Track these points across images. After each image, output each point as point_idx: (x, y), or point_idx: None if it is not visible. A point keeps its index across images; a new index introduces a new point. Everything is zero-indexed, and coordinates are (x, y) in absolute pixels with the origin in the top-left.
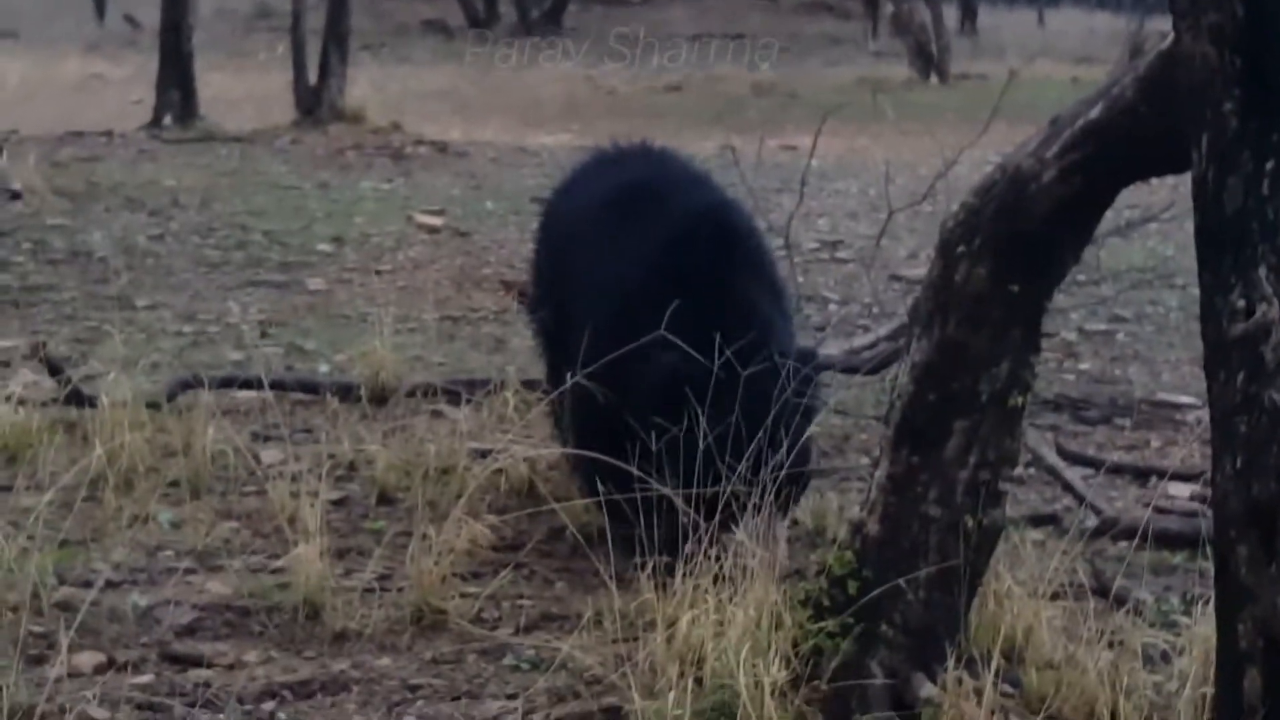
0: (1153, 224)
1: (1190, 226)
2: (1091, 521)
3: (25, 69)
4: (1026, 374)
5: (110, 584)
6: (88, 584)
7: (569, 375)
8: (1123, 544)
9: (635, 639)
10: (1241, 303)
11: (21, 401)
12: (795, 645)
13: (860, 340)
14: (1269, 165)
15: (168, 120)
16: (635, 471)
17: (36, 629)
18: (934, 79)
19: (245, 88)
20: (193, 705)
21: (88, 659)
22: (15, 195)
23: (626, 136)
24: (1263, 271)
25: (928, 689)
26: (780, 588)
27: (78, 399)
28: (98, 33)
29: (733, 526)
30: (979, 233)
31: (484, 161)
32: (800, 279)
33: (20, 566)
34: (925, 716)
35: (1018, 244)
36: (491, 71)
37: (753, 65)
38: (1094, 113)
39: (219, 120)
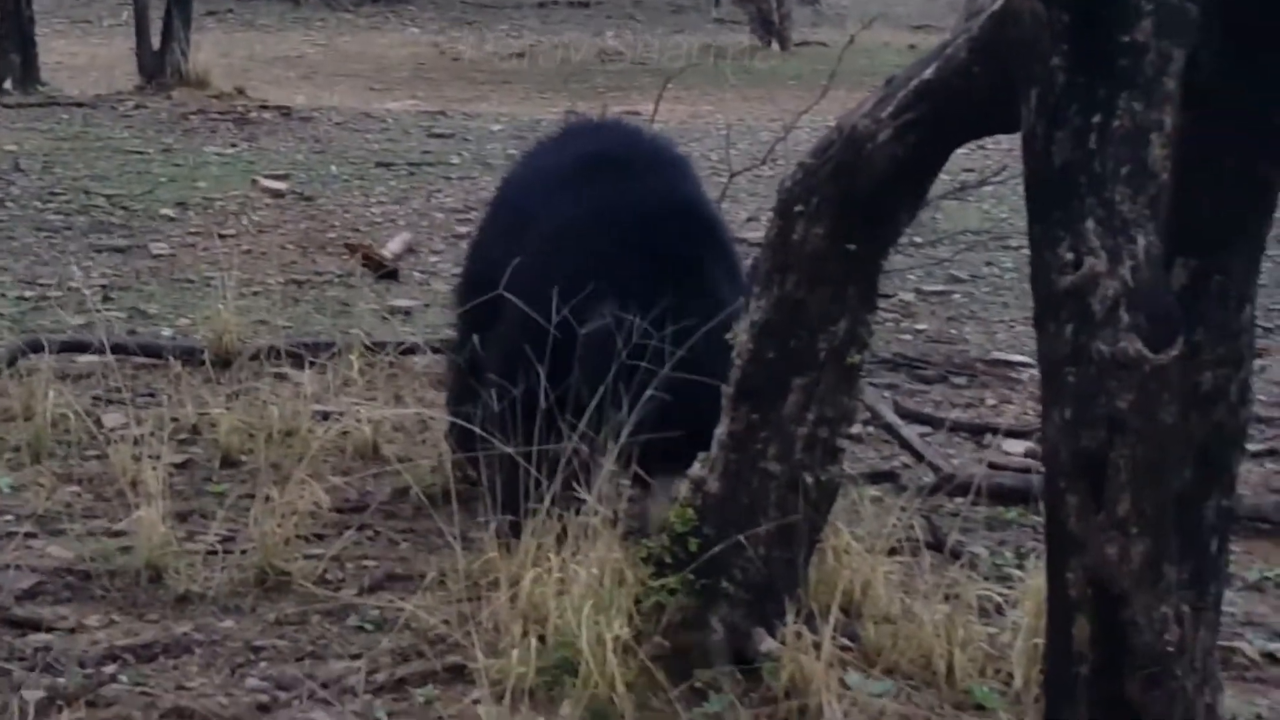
0: (987, 187)
1: (1023, 190)
2: (928, 478)
3: None
4: (864, 332)
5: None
6: None
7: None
8: (959, 500)
9: (479, 598)
10: (1070, 255)
11: None
12: (637, 602)
13: None
14: (1096, 119)
15: (8, 85)
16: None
17: None
18: (775, 46)
19: (89, 54)
20: (32, 669)
21: None
22: None
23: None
24: (1090, 224)
25: (768, 643)
26: (623, 546)
27: None
28: None
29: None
30: (816, 192)
31: (329, 127)
32: None
33: None
34: (765, 670)
35: (854, 203)
36: (338, 38)
37: (598, 33)
38: (928, 73)
39: (61, 86)
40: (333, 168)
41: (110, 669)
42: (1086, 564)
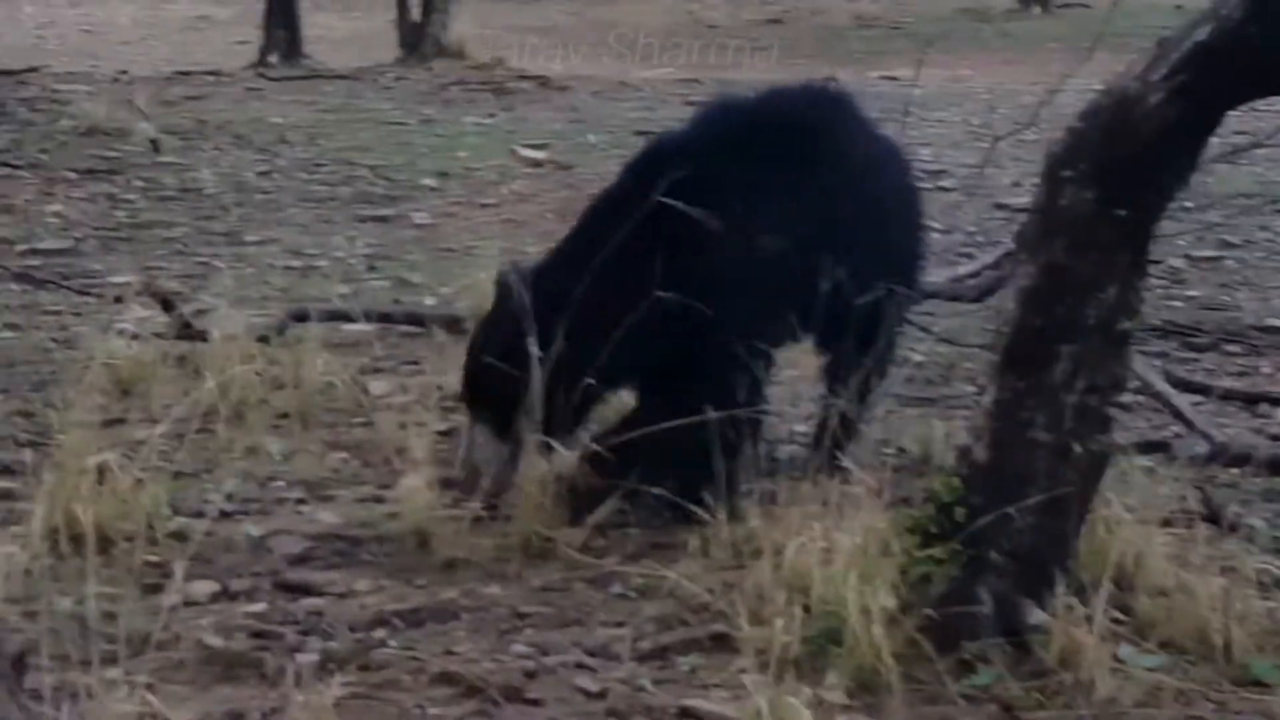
0: (1261, 149)
1: None
2: (1201, 448)
3: (135, 11)
4: (1133, 299)
5: (223, 514)
6: (201, 514)
7: None
8: (1233, 471)
9: (742, 567)
10: None
11: (135, 336)
12: (902, 572)
13: (964, 268)
14: None
15: (274, 59)
16: None
17: (152, 559)
18: (1036, 8)
19: (349, 27)
20: (305, 633)
21: (202, 588)
22: (154, 144)
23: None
24: None
25: (1037, 615)
26: (887, 514)
27: (189, 333)
28: None
29: None
30: (1085, 157)
31: (586, 96)
32: None
33: (135, 497)
34: (1035, 643)
35: (1124, 168)
36: (593, 7)
37: None
38: (1201, 34)
39: (324, 59)
40: (590, 137)
41: (380, 633)
42: None
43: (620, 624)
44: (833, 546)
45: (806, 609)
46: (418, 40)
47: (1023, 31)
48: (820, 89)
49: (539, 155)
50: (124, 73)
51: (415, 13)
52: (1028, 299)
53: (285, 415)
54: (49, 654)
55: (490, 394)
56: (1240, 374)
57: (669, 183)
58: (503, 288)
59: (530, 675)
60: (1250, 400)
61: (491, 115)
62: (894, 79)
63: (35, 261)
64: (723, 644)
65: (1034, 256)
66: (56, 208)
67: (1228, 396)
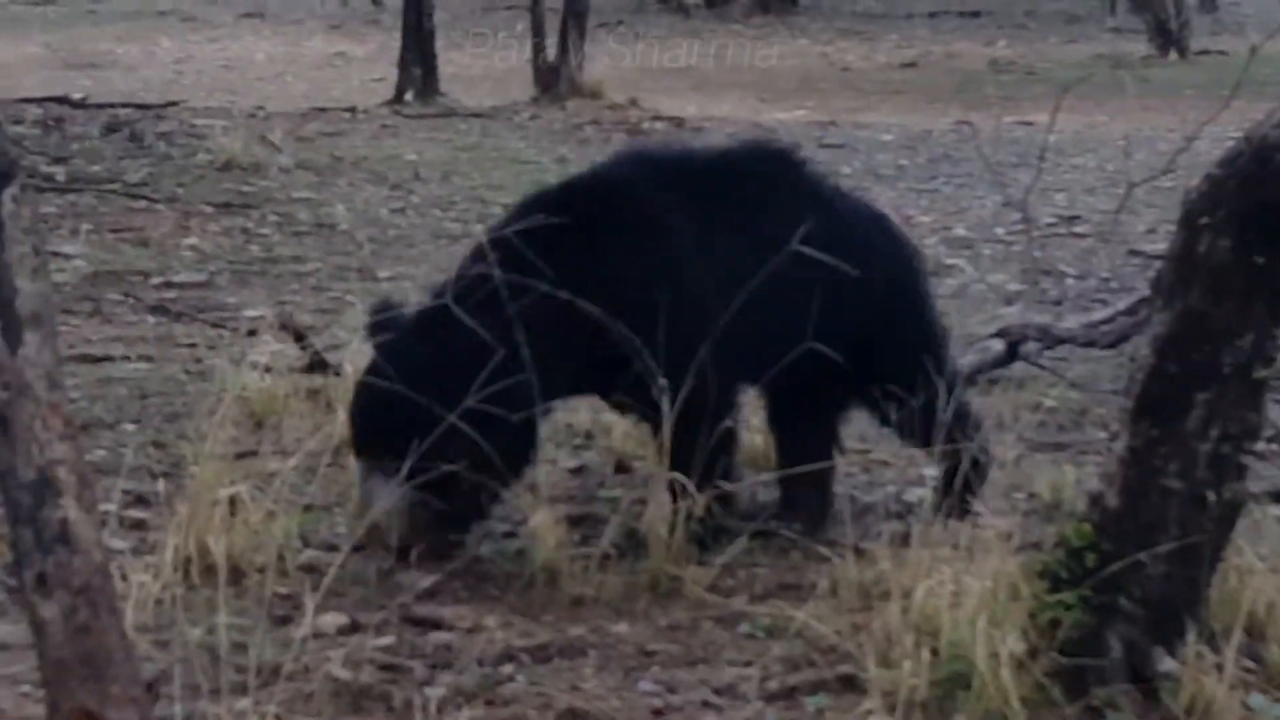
0: None
1: None
2: None
3: (271, 48)
4: (1270, 346)
5: (354, 548)
6: (332, 548)
7: None
8: None
9: (870, 609)
10: None
11: (268, 369)
12: (1032, 617)
13: (1098, 314)
14: None
15: (409, 96)
16: None
17: (282, 590)
18: (1173, 55)
19: (484, 65)
20: (433, 667)
21: (331, 620)
22: (283, 169)
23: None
24: None
25: (1167, 663)
26: (1017, 559)
27: (322, 367)
28: (341, 12)
29: None
30: (1223, 204)
31: (720, 137)
32: (1037, 253)
33: (266, 529)
34: (1165, 690)
35: (1262, 215)
36: (727, 49)
37: (990, 42)
38: None
39: (459, 97)
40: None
41: (508, 669)
42: None
43: (748, 663)
44: (962, 590)
45: (935, 652)
46: (553, 80)
47: (1160, 78)
48: (765, 145)
49: None
50: (260, 108)
51: (551, 52)
52: (1163, 345)
53: None
54: (180, 683)
55: (384, 439)
56: None
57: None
58: (371, 327)
59: (657, 713)
60: None
61: None
62: (1029, 124)
63: (170, 294)
64: (850, 686)
65: (1170, 303)
66: (192, 241)
67: None
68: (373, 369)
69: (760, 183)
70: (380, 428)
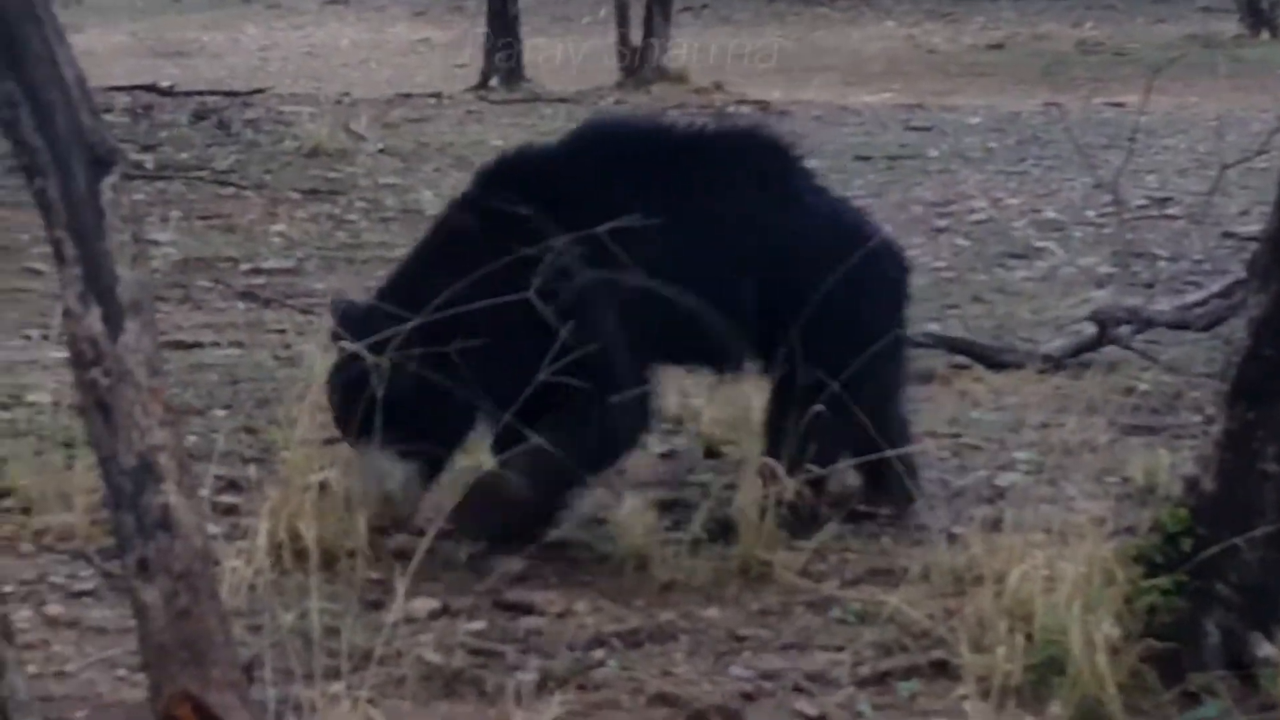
0: None
1: None
2: None
3: (356, 35)
4: None
5: (444, 533)
6: (421, 532)
7: None
8: None
9: (963, 594)
10: None
11: None
12: (1127, 602)
13: (1191, 297)
14: None
15: (494, 82)
16: None
17: (373, 575)
18: (1265, 34)
19: (568, 51)
20: (525, 651)
21: (422, 605)
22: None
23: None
24: None
25: (1265, 648)
26: (1111, 544)
27: None
28: None
29: None
30: None
31: (806, 120)
32: (1129, 235)
33: (357, 514)
34: (1262, 676)
35: None
36: (812, 32)
37: (1078, 23)
38: None
39: (543, 82)
40: (811, 161)
41: (599, 653)
42: None
43: (839, 649)
44: (1055, 575)
45: (1029, 637)
46: (638, 64)
47: (1252, 58)
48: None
49: None
50: (346, 94)
51: (635, 37)
52: (1259, 328)
53: None
54: (273, 667)
55: (365, 412)
56: None
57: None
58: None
59: (748, 697)
60: None
61: None
62: (1119, 105)
63: (259, 280)
64: (943, 671)
65: (1266, 285)
66: (280, 227)
67: None
68: (344, 358)
69: (729, 168)
70: (361, 408)
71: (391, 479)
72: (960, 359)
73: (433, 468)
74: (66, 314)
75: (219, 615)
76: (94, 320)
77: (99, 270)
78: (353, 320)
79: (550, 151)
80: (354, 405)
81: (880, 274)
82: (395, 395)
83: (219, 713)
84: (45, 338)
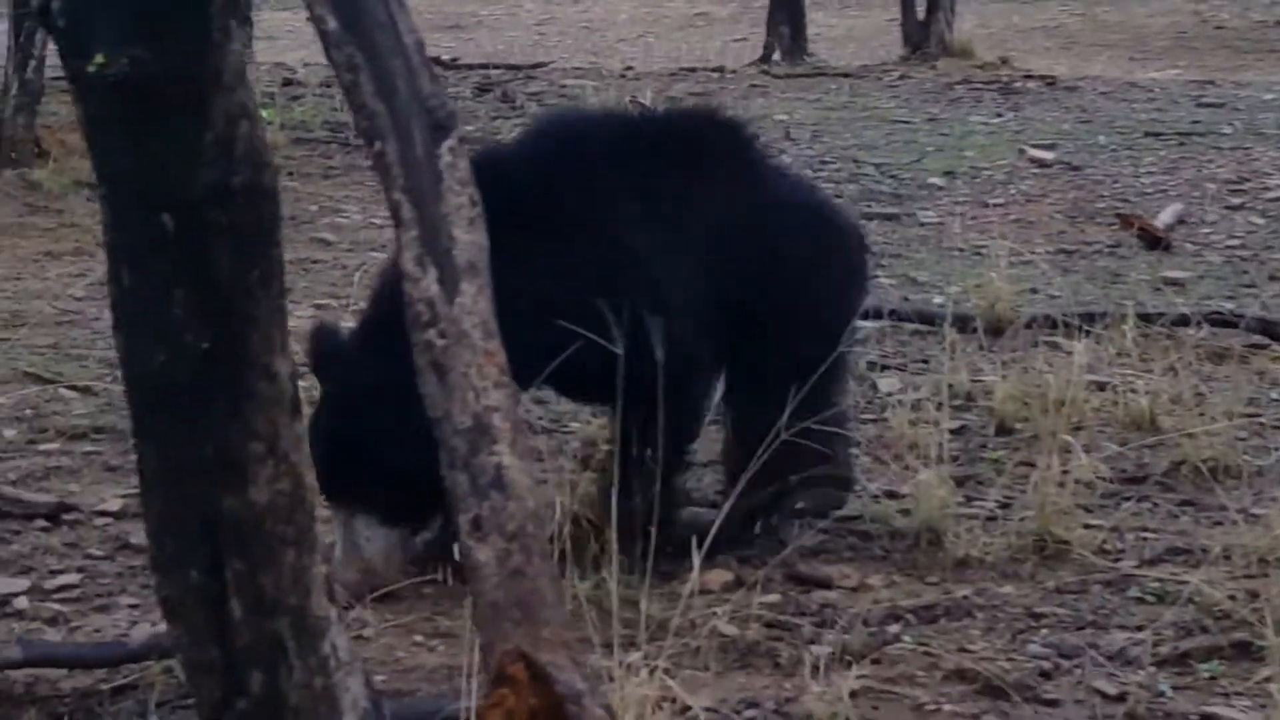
0: None
1: None
2: None
3: (633, 9)
4: None
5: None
6: (713, 504)
7: None
8: None
9: (1266, 575)
10: None
11: None
12: None
13: None
14: None
15: (777, 56)
16: None
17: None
18: None
19: (847, 25)
20: (820, 625)
21: (716, 577)
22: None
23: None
24: None
25: None
26: None
27: None
28: None
29: None
30: None
31: (1094, 96)
32: None
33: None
34: None
35: None
36: (1096, 7)
37: None
38: None
39: (826, 57)
40: (1100, 138)
41: (894, 628)
42: None
43: (1139, 628)
44: None
45: None
46: (923, 39)
47: None
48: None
49: (1047, 155)
50: (629, 68)
51: (920, 12)
52: None
53: None
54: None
55: (357, 477)
56: None
57: None
58: (314, 359)
59: (1046, 675)
60: None
61: (998, 115)
62: None
63: None
64: (1246, 653)
65: None
66: None
67: None
68: (326, 404)
69: (692, 152)
70: (348, 473)
71: (372, 547)
72: (1258, 338)
73: (417, 526)
74: (404, 276)
75: (550, 576)
76: (430, 282)
77: (436, 233)
78: (329, 355)
79: (511, 153)
80: (334, 465)
81: (841, 254)
82: (379, 458)
83: (551, 672)
84: (345, 308)
